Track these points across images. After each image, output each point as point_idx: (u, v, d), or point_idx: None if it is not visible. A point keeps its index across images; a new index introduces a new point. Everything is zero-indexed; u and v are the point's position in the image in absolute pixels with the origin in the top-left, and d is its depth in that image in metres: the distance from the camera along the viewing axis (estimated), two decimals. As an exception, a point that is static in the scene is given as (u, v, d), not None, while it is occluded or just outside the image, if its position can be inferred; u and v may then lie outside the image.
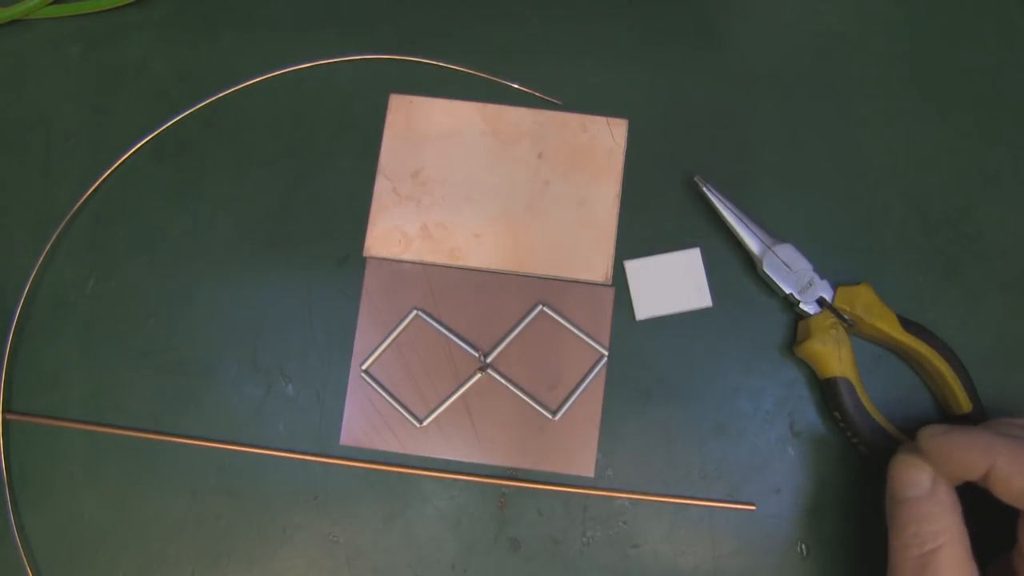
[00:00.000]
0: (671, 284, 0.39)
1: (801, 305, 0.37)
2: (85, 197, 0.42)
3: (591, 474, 0.38)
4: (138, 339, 0.40)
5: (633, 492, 0.38)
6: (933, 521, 0.29)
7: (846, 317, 0.37)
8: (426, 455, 0.39)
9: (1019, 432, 0.30)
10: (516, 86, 0.42)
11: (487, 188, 0.40)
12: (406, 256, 0.40)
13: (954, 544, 0.29)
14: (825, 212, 0.40)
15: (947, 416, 0.38)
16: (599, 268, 0.39)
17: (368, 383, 0.39)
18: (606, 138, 0.40)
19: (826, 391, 0.37)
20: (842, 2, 0.43)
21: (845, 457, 0.38)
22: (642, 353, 0.39)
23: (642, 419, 0.39)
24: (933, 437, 0.30)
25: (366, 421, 0.39)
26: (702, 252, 0.39)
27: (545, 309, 0.39)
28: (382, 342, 0.39)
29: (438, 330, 0.39)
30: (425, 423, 0.39)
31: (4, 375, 0.40)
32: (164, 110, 0.42)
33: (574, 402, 0.38)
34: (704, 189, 0.38)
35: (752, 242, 0.38)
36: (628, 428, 0.38)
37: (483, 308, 0.40)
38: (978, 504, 0.30)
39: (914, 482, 0.30)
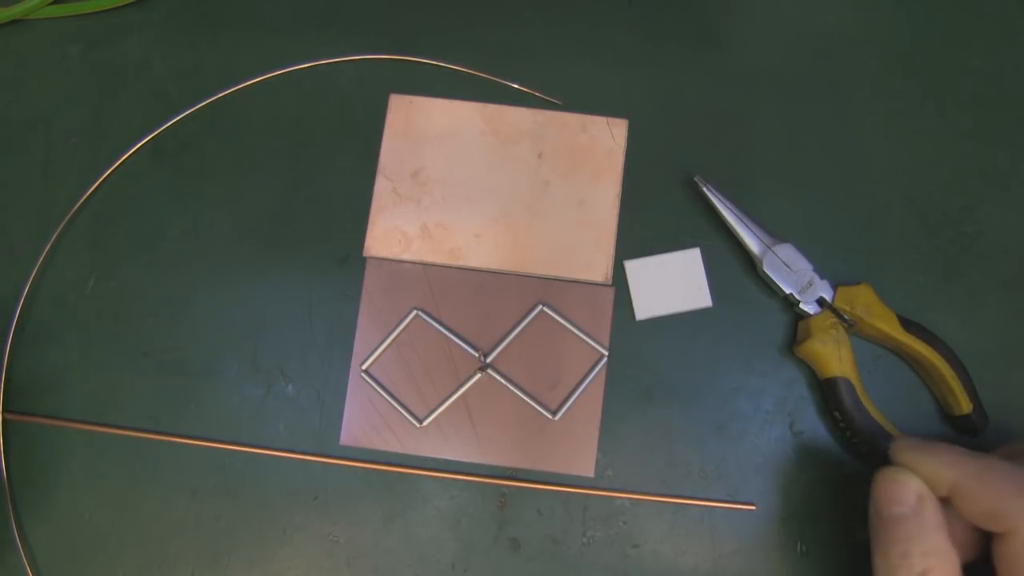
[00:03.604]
0: (671, 284, 0.39)
1: (801, 305, 0.37)
2: (85, 197, 0.42)
3: (591, 474, 0.38)
4: (138, 339, 0.40)
5: (633, 492, 0.38)
6: (922, 541, 0.28)
7: (846, 317, 0.37)
8: (426, 455, 0.39)
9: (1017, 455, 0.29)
10: (516, 86, 0.42)
11: (487, 188, 0.40)
12: (406, 256, 0.40)
13: (944, 566, 0.27)
14: (825, 212, 0.40)
15: (947, 416, 0.38)
16: (599, 268, 0.39)
17: (368, 383, 0.39)
18: (606, 138, 0.40)
19: (826, 391, 0.37)
20: (842, 2, 0.43)
21: (845, 457, 0.38)
22: (642, 353, 0.39)
23: (642, 419, 0.39)
24: (904, 450, 0.30)
25: (366, 421, 0.39)
26: (702, 252, 0.39)
27: (545, 309, 0.39)
28: (382, 342, 0.39)
29: (438, 330, 0.39)
30: (425, 423, 0.39)
31: (4, 375, 0.40)
32: (164, 110, 0.42)
33: (574, 402, 0.38)
34: (704, 189, 0.38)
35: (752, 242, 0.38)
36: (628, 428, 0.38)
37: (483, 308, 0.40)
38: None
39: (900, 498, 0.29)
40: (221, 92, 0.42)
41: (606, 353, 0.39)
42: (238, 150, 0.42)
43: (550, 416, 0.38)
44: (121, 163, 0.42)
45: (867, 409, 0.36)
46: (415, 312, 0.40)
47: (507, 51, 0.42)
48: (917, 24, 0.42)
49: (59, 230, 0.41)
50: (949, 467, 0.28)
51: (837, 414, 0.37)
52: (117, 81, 0.43)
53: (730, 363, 0.39)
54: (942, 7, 0.42)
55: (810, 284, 0.37)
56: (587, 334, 0.39)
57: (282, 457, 0.39)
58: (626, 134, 0.41)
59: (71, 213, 0.41)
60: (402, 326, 0.39)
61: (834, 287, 0.37)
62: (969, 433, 0.37)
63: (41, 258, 0.41)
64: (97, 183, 0.42)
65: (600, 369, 0.39)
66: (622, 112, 0.41)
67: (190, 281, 0.41)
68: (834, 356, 0.36)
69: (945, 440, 0.38)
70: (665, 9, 0.43)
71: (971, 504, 0.28)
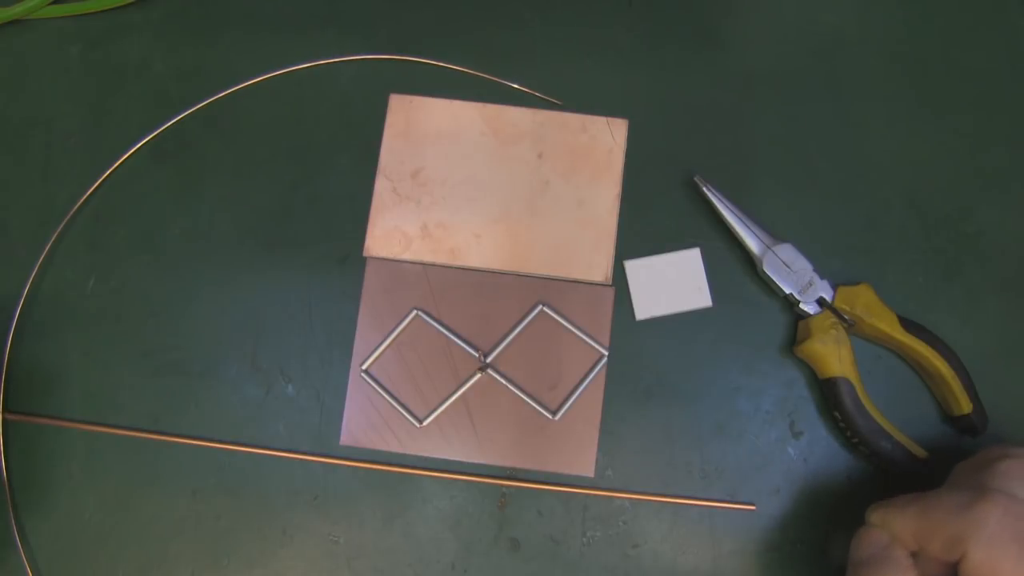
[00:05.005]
0: (671, 284, 0.39)
1: (801, 305, 0.37)
2: (85, 197, 0.42)
3: (591, 474, 0.38)
4: (138, 339, 0.40)
5: (633, 492, 0.38)
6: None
7: (846, 317, 0.37)
8: (426, 455, 0.39)
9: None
10: (516, 86, 0.42)
11: (487, 188, 0.40)
12: (406, 256, 0.40)
13: None
14: (825, 212, 0.40)
15: (947, 416, 0.38)
16: (599, 268, 0.39)
17: (368, 383, 0.39)
18: (606, 138, 0.40)
19: (826, 391, 0.37)
20: (842, 2, 0.43)
21: (845, 457, 0.38)
22: (642, 353, 0.39)
23: (642, 419, 0.39)
24: (873, 511, 0.31)
25: (366, 421, 0.39)
26: (702, 252, 0.39)
27: (545, 309, 0.39)
28: (382, 342, 0.39)
29: (438, 330, 0.39)
30: (425, 423, 0.39)
31: (4, 375, 0.40)
32: (164, 110, 0.42)
33: (574, 402, 0.38)
34: (704, 189, 0.38)
35: (752, 242, 0.38)
36: (628, 428, 0.38)
37: (483, 308, 0.40)
38: None
39: (871, 544, 0.30)
40: (221, 92, 0.42)
41: (606, 353, 0.39)
42: (238, 150, 0.42)
43: (550, 416, 0.38)
44: (121, 163, 0.42)
45: (867, 409, 0.36)
46: (415, 312, 0.40)
47: (507, 51, 0.42)
48: (917, 24, 0.42)
49: (59, 230, 0.41)
50: (902, 513, 0.30)
51: (837, 414, 0.37)
52: (117, 81, 0.43)
53: (730, 363, 0.39)
54: (942, 7, 0.42)
55: (810, 284, 0.37)
56: (587, 334, 0.39)
57: (282, 457, 0.39)
58: (626, 134, 0.41)
59: (71, 213, 0.41)
60: (402, 326, 0.39)
61: (834, 287, 0.37)
62: (969, 433, 0.37)
63: (41, 258, 0.41)
64: (97, 183, 0.42)
65: (600, 369, 0.39)
66: (622, 112, 0.41)
67: (190, 281, 0.41)
68: (834, 356, 0.36)
69: (945, 440, 0.38)
70: (665, 9, 0.43)
71: (930, 542, 0.28)
